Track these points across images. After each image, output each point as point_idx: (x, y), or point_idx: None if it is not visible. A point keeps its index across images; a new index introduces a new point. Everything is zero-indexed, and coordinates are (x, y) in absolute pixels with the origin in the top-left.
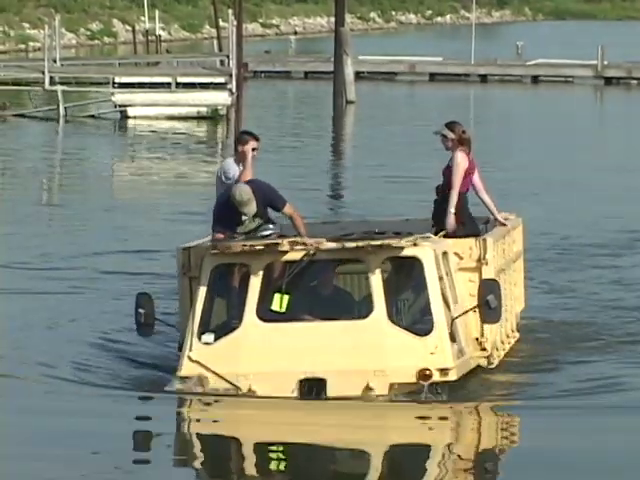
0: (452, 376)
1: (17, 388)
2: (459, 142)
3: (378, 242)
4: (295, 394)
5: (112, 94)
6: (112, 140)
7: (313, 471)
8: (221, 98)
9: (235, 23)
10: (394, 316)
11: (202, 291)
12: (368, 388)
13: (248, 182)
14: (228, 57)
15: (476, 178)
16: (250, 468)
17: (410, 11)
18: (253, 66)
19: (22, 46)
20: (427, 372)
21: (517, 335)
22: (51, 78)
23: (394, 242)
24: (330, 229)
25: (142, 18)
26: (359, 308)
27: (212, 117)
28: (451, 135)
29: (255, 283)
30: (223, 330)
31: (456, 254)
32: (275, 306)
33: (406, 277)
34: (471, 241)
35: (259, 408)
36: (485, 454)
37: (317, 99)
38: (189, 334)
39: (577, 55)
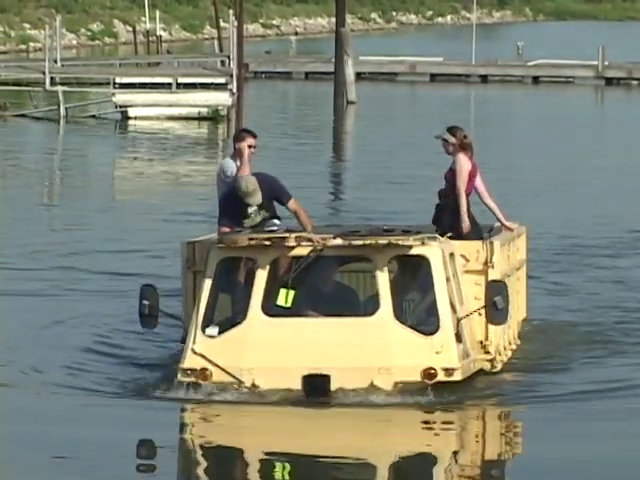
0: (457, 376)
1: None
2: (460, 147)
3: (386, 240)
4: (298, 390)
5: (113, 94)
6: (113, 140)
7: (317, 478)
8: (222, 99)
9: (236, 23)
10: (400, 314)
11: (207, 284)
12: (372, 386)
13: (254, 174)
14: (229, 57)
15: (478, 182)
16: (253, 475)
17: (411, 11)
18: (254, 67)
19: (23, 46)
20: (432, 371)
21: (518, 342)
22: (52, 78)
23: (402, 240)
24: (331, 232)
25: (143, 18)
26: (365, 305)
27: (213, 118)
28: (452, 140)
29: (261, 277)
30: (227, 324)
31: (462, 256)
32: (281, 301)
33: (413, 276)
34: (478, 244)
35: (262, 413)
36: (491, 460)
37: (318, 100)
38: (193, 327)
39: (578, 56)
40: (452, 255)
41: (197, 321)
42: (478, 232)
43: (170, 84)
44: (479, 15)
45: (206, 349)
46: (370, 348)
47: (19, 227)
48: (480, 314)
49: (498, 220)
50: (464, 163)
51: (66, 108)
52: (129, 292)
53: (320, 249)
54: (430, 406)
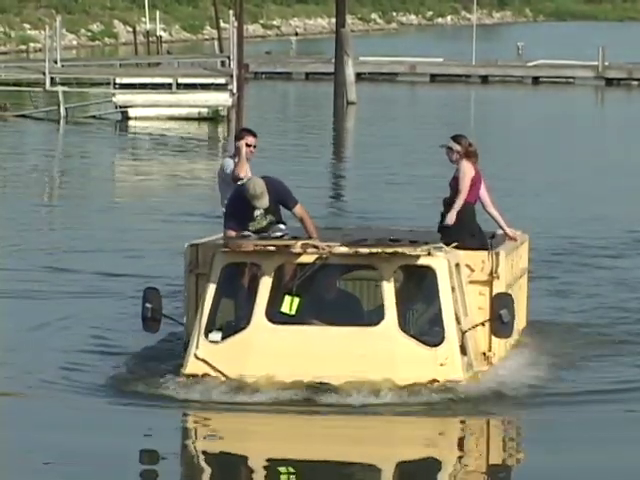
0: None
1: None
2: (465, 155)
3: (392, 249)
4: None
5: (113, 95)
6: (113, 141)
7: None
8: (222, 99)
9: (236, 24)
10: (405, 325)
11: (211, 289)
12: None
13: (262, 177)
14: (229, 58)
15: (483, 191)
16: None
17: (411, 12)
18: (254, 67)
19: (23, 47)
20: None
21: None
22: (52, 79)
23: (408, 250)
24: (332, 235)
25: (143, 19)
26: (370, 315)
27: (213, 118)
28: (457, 147)
29: (265, 283)
30: (231, 329)
31: (468, 266)
32: (285, 308)
33: (418, 286)
34: (483, 254)
35: (264, 420)
36: (495, 464)
37: (318, 100)
38: (196, 332)
39: (578, 56)
40: (458, 265)
41: (200, 326)
42: (483, 240)
43: (170, 84)
44: (479, 15)
45: (209, 354)
46: (374, 358)
47: (18, 227)
48: (484, 325)
49: (501, 229)
50: (468, 170)
51: (66, 108)
52: (129, 292)
53: (326, 257)
54: (433, 412)
